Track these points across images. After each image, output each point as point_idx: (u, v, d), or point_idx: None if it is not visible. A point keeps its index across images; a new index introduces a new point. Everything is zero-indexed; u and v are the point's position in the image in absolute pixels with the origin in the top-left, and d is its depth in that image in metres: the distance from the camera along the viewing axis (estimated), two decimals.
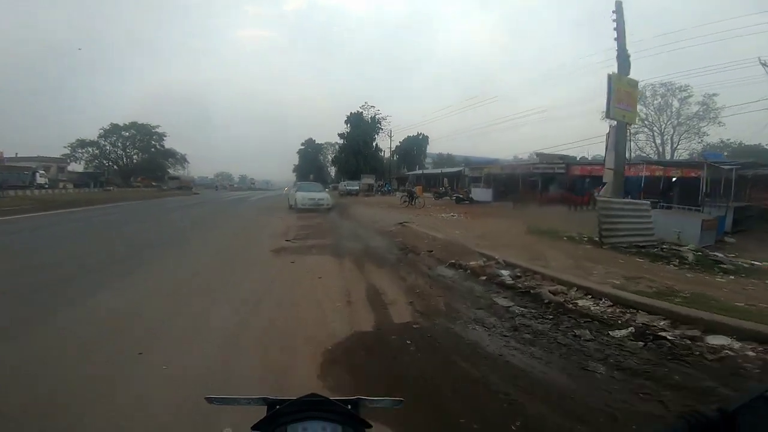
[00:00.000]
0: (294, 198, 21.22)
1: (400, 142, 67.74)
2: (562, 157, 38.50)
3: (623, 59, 12.91)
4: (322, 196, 21.40)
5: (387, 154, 64.07)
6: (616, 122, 12.08)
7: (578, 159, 37.38)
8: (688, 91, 40.18)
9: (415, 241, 11.18)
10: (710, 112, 39.93)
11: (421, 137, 70.81)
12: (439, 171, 47.58)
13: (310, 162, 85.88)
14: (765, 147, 35.77)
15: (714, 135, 41.66)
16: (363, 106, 63.30)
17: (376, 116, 63.37)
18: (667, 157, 40.72)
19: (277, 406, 0.68)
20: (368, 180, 44.41)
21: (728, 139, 41.93)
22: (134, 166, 70.58)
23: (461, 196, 31.73)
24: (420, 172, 56.38)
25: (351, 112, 63.41)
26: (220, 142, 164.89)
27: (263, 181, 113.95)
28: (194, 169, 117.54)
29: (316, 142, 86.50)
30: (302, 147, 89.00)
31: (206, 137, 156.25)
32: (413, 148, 71.40)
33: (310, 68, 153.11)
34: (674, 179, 23.81)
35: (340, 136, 63.47)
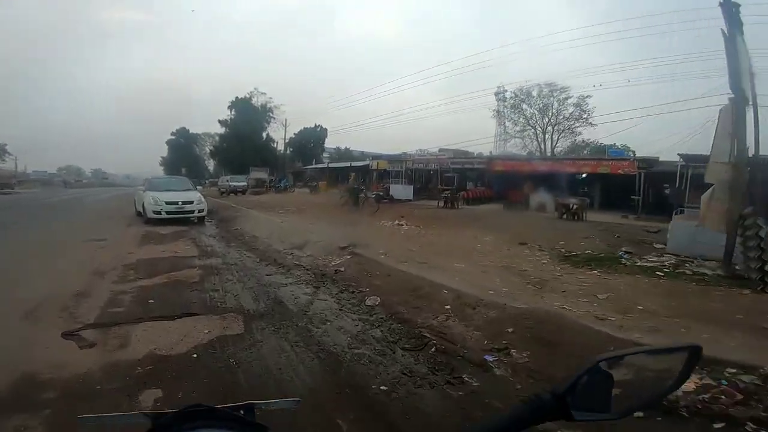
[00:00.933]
0: (142, 201, 12.65)
1: (294, 134, 59.43)
2: (465, 153, 35.35)
3: None
4: (191, 197, 13.21)
5: (281, 147, 55.25)
6: (733, 98, 6.71)
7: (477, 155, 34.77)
8: (568, 92, 40.61)
9: (417, 311, 4.60)
10: (584, 113, 40.97)
11: (318, 129, 63.10)
12: (347, 164, 40.85)
13: (182, 154, 72.08)
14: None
15: (586, 135, 43.02)
16: (251, 92, 53.53)
17: (268, 104, 54.17)
18: (548, 154, 41.19)
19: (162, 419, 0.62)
20: (259, 174, 35.50)
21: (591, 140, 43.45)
22: None
23: (380, 193, 25.61)
24: (323, 165, 49.07)
25: (236, 97, 53.24)
26: (67, 132, 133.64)
27: (124, 176, 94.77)
28: (32, 161, 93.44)
29: (191, 132, 73.14)
30: (172, 137, 74.58)
31: (46, 125, 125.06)
32: (310, 140, 63.51)
33: (186, 51, 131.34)
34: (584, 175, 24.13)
35: (222, 123, 52.86)
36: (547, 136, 46.35)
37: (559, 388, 0.65)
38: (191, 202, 12.82)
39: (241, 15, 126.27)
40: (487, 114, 46.17)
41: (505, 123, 46.79)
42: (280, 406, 0.75)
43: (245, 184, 31.97)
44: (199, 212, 12.94)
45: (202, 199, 13.29)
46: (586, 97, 39.39)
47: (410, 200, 27.16)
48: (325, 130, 63.06)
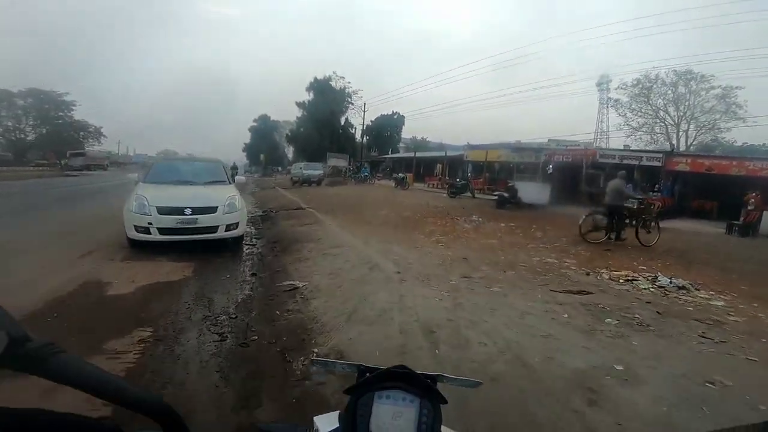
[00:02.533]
0: (132, 209, 6.13)
1: (371, 121, 53.26)
2: (576, 144, 26.46)
3: None
4: (215, 198, 6.47)
5: (358, 134, 49.27)
6: None
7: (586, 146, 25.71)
8: (709, 81, 31.42)
9: None
10: (732, 107, 31.59)
11: (396, 116, 56.53)
12: (441, 154, 33.43)
13: (263, 140, 69.32)
14: None
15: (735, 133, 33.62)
16: (330, 75, 48.01)
17: (346, 89, 48.41)
18: None
19: (367, 374, 0.70)
20: (338, 161, 29.40)
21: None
22: (32, 141, 55.10)
23: (504, 194, 17.86)
24: (406, 154, 42.21)
25: (315, 77, 47.97)
26: (163, 118, 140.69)
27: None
28: (136, 144, 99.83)
29: (272, 119, 70.21)
30: (254, 124, 72.25)
31: (148, 113, 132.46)
32: (386, 128, 57.05)
33: (271, 43, 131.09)
34: None
35: (299, 105, 47.80)
36: (681, 131, 36.20)
37: None
38: (213, 210, 6.21)
39: (316, 10, 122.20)
40: (578, 104, 36.76)
41: (627, 114, 37.10)
42: (464, 385, 0.76)
43: (321, 173, 26.00)
44: (228, 230, 6.32)
45: (237, 204, 6.58)
46: (735, 88, 30.44)
47: (543, 205, 19.09)
48: (403, 117, 56.34)
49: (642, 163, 21.55)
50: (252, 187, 24.99)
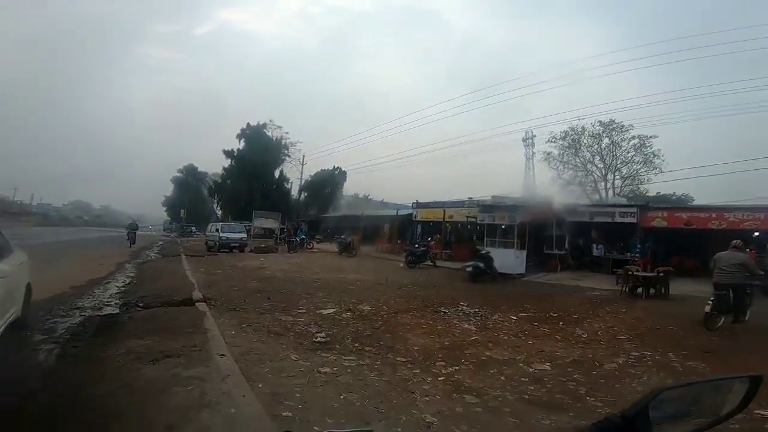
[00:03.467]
0: None
1: (310, 176, 49.07)
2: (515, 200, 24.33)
3: None
4: None
5: (294, 190, 44.52)
6: None
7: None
8: (627, 131, 31.53)
9: None
10: (650, 157, 31.78)
11: (337, 172, 52.87)
12: (390, 213, 29.55)
13: (187, 194, 61.23)
14: None
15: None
16: (266, 123, 43.84)
17: (283, 140, 44.26)
18: None
19: None
20: (268, 221, 23.75)
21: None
22: None
23: (480, 265, 13.93)
24: (353, 214, 38.18)
25: (248, 124, 43.41)
26: (82, 165, 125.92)
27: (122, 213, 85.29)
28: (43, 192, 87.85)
29: (200, 170, 62.89)
30: (179, 174, 64.37)
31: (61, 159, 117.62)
32: (326, 185, 53.07)
33: (201, 88, 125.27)
34: None
35: (227, 154, 42.54)
36: (608, 183, 36.21)
37: (628, 413, 0.67)
38: None
39: (254, 57, 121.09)
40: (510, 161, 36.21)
41: (559, 167, 36.53)
42: None
43: (244, 236, 20.53)
44: None
45: None
46: (650, 137, 30.41)
47: (523, 275, 15.42)
48: (345, 173, 52.64)
49: (615, 220, 19.05)
50: (151, 254, 18.91)
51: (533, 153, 36.71)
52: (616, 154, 33.94)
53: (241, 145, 42.99)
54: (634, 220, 18.44)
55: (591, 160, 35.01)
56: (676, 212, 18.60)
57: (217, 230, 20.57)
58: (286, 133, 44.23)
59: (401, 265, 16.84)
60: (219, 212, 55.24)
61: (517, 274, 15.38)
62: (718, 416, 0.76)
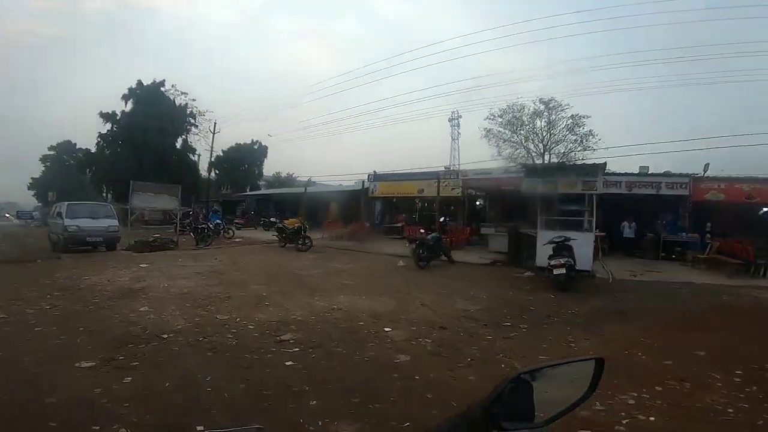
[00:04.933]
0: None
1: (223, 151, 39.68)
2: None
3: None
4: None
5: (204, 168, 34.85)
6: None
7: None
8: (558, 111, 28.79)
9: None
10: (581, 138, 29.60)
11: (257, 147, 44.02)
12: (338, 188, 22.60)
13: (59, 173, 47.19)
14: None
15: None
16: (163, 81, 33.30)
17: (188, 105, 34.27)
18: None
19: None
20: (159, 199, 14.45)
21: None
22: None
23: (569, 260, 7.66)
24: (288, 191, 30.33)
25: (139, 81, 32.59)
26: None
27: None
28: None
29: (78, 146, 48.72)
30: (51, 152, 50.02)
31: None
32: (243, 161, 43.92)
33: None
34: None
35: (106, 117, 31.46)
36: (544, 162, 34.06)
37: (485, 402, 0.67)
38: None
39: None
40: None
41: (499, 144, 34.44)
42: None
43: (111, 224, 11.48)
44: None
45: None
46: (582, 117, 27.86)
47: (590, 272, 9.61)
48: (265, 148, 44.03)
49: (660, 192, 14.44)
50: None
51: (459, 133, 35.27)
52: (552, 133, 31.10)
53: (128, 107, 32.03)
54: (685, 192, 14.04)
55: (526, 137, 33.22)
56: (736, 184, 14.31)
57: (60, 215, 11.69)
58: (193, 100, 34.20)
59: (400, 263, 10.16)
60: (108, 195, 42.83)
61: (585, 270, 9.50)
62: (572, 401, 0.77)
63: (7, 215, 47.55)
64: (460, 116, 35.09)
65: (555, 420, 0.76)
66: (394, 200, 22.05)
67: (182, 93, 33.69)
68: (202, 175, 34.54)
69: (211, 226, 15.48)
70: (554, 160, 31.12)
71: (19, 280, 7.17)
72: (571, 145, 29.48)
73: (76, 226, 10.83)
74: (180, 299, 5.99)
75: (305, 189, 19.21)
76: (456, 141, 35.61)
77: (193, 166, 33.18)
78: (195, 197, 32.95)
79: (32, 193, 52.44)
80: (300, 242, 13.02)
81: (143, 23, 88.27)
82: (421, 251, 9.68)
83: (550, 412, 0.75)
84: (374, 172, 22.75)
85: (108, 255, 10.84)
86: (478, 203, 20.62)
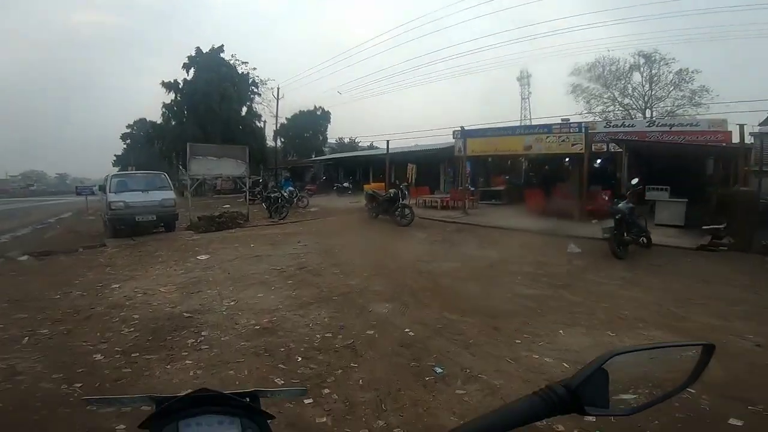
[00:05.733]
0: None
1: (286, 118, 37.00)
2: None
3: None
4: None
5: (269, 135, 32.95)
6: None
7: None
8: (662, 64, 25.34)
9: None
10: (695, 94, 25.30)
11: (319, 113, 40.85)
12: (417, 149, 19.40)
13: (138, 150, 48.60)
14: None
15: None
16: (222, 46, 31.40)
17: (249, 74, 32.24)
18: None
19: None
20: (231, 166, 11.71)
21: None
22: None
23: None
24: (361, 153, 28.01)
25: (198, 49, 30.84)
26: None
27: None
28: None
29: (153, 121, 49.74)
30: (129, 131, 51.06)
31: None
32: (307, 128, 41.09)
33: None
34: None
35: (168, 87, 30.03)
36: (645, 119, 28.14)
37: (572, 383, 0.61)
38: None
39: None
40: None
41: (590, 101, 29.72)
42: (286, 396, 0.68)
43: (167, 197, 8.99)
44: None
45: None
46: (693, 72, 24.34)
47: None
48: (328, 113, 40.82)
49: None
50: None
51: (529, 93, 33.38)
52: (654, 90, 27.64)
53: (190, 75, 30.43)
54: None
55: (622, 92, 28.62)
56: None
57: (105, 189, 9.06)
58: (254, 69, 32.10)
59: (574, 248, 6.51)
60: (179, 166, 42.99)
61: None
62: (672, 389, 0.67)
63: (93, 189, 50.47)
64: (530, 75, 32.89)
65: (644, 409, 0.65)
66: (490, 160, 18.07)
67: (243, 62, 31.57)
68: (269, 145, 32.78)
69: (284, 194, 12.74)
70: (657, 119, 25.88)
71: (28, 287, 4.69)
72: (679, 101, 26.09)
73: (122, 202, 8.35)
74: (256, 347, 3.01)
75: (387, 149, 15.75)
76: (526, 100, 33.35)
77: (260, 134, 31.15)
78: (263, 165, 31.14)
79: (117, 169, 55.08)
80: (398, 213, 9.77)
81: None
82: (623, 233, 5.99)
83: (639, 399, 0.66)
84: (462, 127, 18.75)
85: (161, 240, 8.32)
86: (597, 162, 16.22)
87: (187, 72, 30.62)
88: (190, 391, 0.56)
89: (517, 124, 28.56)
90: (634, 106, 28.17)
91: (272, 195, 12.34)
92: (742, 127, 9.05)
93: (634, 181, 7.06)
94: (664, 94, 26.66)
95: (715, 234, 7.63)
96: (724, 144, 11.76)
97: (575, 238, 7.02)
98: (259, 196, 15.38)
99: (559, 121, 16.80)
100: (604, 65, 27.45)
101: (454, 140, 18.35)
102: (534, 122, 27.04)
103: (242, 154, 11.40)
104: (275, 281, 5.03)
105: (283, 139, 38.12)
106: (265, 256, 6.49)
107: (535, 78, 33.21)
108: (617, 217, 6.23)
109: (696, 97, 24.94)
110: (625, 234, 6.32)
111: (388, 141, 15.52)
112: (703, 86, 24.12)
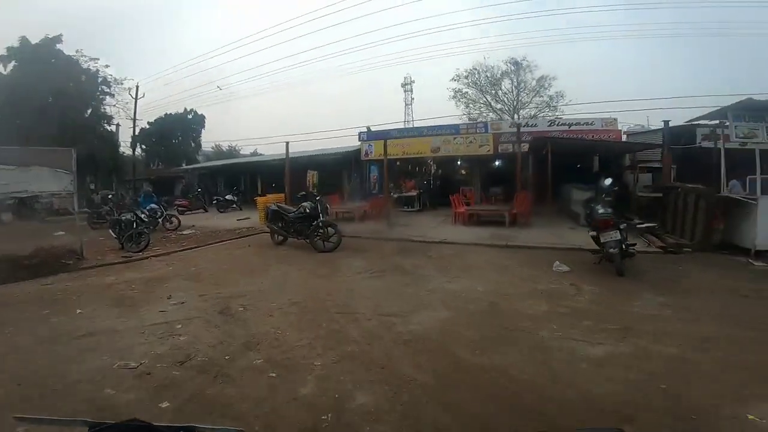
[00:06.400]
0: None
1: (149, 123, 31.82)
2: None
3: None
4: None
5: (125, 142, 26.96)
6: None
7: None
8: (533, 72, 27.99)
9: None
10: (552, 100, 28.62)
11: (191, 116, 35.01)
12: (328, 153, 16.91)
13: None
14: None
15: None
16: (58, 37, 24.64)
17: (101, 71, 25.69)
18: None
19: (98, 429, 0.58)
20: (51, 178, 7.38)
21: None
22: None
23: None
24: (251, 159, 24.69)
25: (23, 37, 23.65)
26: None
27: None
28: None
29: None
30: None
31: None
32: (175, 133, 34.83)
33: None
34: None
35: None
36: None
37: None
38: None
39: None
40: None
41: (468, 105, 31.37)
42: None
43: None
44: None
45: None
46: (550, 78, 26.87)
47: None
48: (202, 117, 35.31)
49: None
50: None
51: (412, 99, 34.01)
52: (520, 96, 30.23)
53: (8, 70, 23.12)
54: None
55: (494, 97, 30.62)
56: None
57: None
58: (106, 66, 25.77)
59: (560, 267, 5.07)
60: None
61: None
62: None
63: None
64: (413, 81, 33.65)
65: None
66: (398, 163, 16.66)
67: (91, 58, 25.18)
68: (124, 152, 26.68)
69: (143, 216, 9.13)
70: (522, 122, 28.17)
71: None
72: (540, 105, 28.23)
73: None
74: None
75: (287, 154, 12.96)
76: (409, 106, 33.94)
77: (110, 138, 24.99)
78: (116, 176, 25.24)
79: None
80: (318, 235, 7.30)
81: None
82: (623, 247, 4.76)
83: None
84: (368, 128, 17.04)
85: None
86: (496, 163, 16.02)
87: (5, 67, 23.12)
88: (124, 420, 0.55)
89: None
90: (505, 111, 29.98)
91: (123, 218, 8.65)
92: (666, 123, 8.96)
93: (608, 181, 5.99)
94: (527, 99, 28.91)
95: (653, 233, 7.56)
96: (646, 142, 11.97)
97: (548, 251, 5.58)
98: (108, 217, 11.19)
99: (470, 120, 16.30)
100: (480, 71, 29.15)
101: (360, 143, 16.49)
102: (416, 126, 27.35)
103: (65, 159, 7.48)
104: (125, 407, 2.28)
105: (144, 146, 31.76)
106: (104, 335, 3.49)
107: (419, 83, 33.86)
108: (622, 227, 4.95)
109: (553, 103, 27.43)
110: (619, 249, 5.11)
111: (287, 143, 12.78)
112: (559, 92, 26.79)
